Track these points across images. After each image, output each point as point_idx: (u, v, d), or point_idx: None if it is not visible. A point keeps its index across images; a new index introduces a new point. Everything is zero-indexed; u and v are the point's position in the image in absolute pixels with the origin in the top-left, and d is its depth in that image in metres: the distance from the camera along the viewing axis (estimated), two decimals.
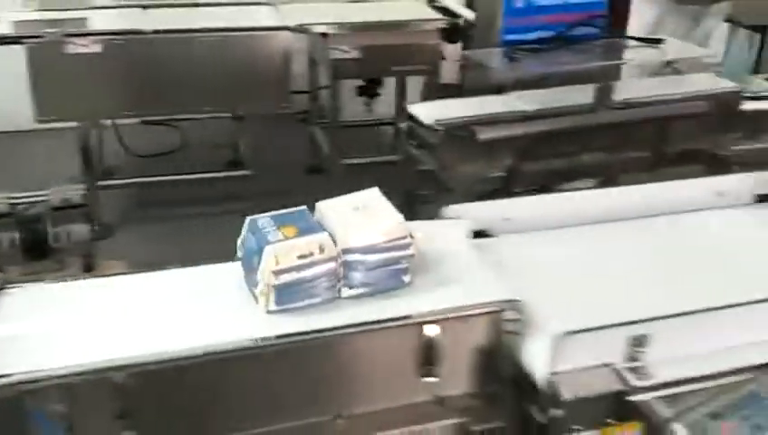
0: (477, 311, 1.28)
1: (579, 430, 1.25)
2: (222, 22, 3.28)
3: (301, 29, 3.28)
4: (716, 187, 1.75)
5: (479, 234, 1.55)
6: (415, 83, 3.77)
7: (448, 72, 3.35)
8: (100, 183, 3.43)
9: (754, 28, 4.91)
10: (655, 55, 2.48)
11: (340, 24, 3.33)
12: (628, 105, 2.31)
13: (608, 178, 2.22)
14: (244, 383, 1.22)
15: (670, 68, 2.51)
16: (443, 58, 3.33)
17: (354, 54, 3.29)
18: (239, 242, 1.33)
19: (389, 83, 3.83)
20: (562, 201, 1.72)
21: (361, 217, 1.33)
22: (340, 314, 1.26)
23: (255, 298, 1.27)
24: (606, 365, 1.28)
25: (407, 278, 1.32)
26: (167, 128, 3.85)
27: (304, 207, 1.35)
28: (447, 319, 1.26)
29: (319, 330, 1.23)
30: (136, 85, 3.18)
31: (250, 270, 1.29)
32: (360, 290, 1.30)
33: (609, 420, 1.26)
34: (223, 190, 3.63)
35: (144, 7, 3.41)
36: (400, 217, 1.33)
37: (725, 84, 2.47)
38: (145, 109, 3.34)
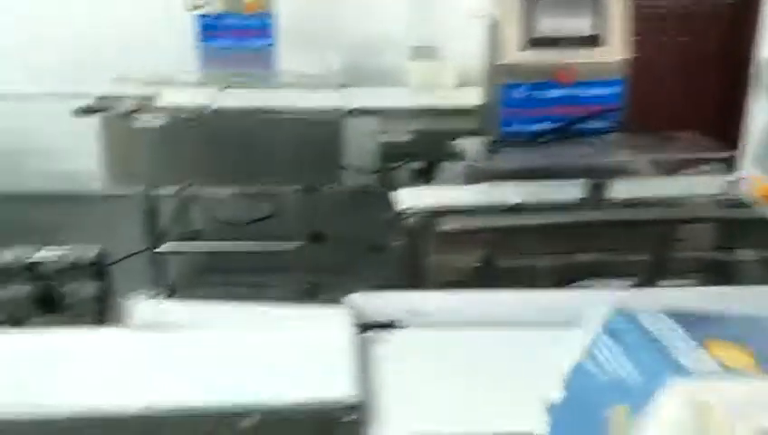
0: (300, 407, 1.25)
1: None
2: (284, 103, 3.47)
3: (351, 111, 3.40)
4: None
5: (385, 325, 1.50)
6: None
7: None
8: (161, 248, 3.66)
9: None
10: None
11: (393, 109, 3.42)
12: (628, 204, 2.17)
13: (600, 276, 2.09)
14: None
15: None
16: None
17: (404, 138, 3.35)
18: (588, 346, 0.78)
19: None
20: (479, 299, 1.63)
21: None
22: None
23: None
24: None
25: None
26: (263, 197, 4.14)
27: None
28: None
29: None
30: (197, 157, 3.42)
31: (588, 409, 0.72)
32: None
33: None
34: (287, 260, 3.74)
35: (223, 88, 3.67)
36: None
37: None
38: (204, 179, 3.59)
